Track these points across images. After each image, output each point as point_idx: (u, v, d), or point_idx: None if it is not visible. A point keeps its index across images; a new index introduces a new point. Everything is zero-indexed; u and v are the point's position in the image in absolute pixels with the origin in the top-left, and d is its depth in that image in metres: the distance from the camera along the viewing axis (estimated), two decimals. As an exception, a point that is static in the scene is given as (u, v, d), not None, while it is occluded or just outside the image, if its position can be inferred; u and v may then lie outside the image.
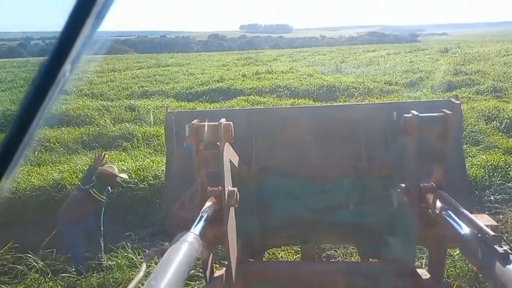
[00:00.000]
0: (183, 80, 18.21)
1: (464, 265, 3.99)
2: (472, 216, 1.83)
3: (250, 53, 38.91)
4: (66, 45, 0.65)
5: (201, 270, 4.22)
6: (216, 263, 2.64)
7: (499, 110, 9.72)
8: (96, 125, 10.08)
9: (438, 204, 2.06)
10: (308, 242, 3.04)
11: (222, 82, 16.25)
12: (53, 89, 0.67)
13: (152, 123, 9.78)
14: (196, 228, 1.86)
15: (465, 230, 1.73)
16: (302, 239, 3.04)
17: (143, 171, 6.49)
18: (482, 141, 8.02)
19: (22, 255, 4.76)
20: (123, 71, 23.57)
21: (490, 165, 6.56)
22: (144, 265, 1.68)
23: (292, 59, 28.81)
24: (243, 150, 2.66)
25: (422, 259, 3.70)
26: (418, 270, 2.43)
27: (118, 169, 4.96)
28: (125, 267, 4.52)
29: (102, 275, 4.44)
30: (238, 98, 13.16)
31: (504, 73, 15.58)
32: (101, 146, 8.45)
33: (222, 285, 2.34)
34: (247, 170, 2.76)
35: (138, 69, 24.89)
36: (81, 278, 4.42)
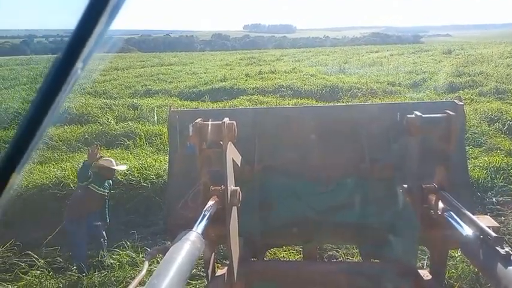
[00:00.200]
0: (186, 79, 18.22)
1: (466, 266, 3.98)
2: (474, 217, 1.83)
3: (254, 52, 38.89)
4: (79, 43, 0.65)
5: (203, 269, 4.24)
6: (217, 263, 2.65)
7: (501, 112, 9.68)
8: (99, 123, 10.10)
9: (440, 205, 2.06)
10: (310, 242, 3.04)
11: (225, 81, 16.24)
12: (64, 87, 0.67)
13: (156, 122, 9.79)
14: (199, 227, 1.87)
15: (467, 231, 1.74)
16: (304, 239, 3.04)
17: (146, 169, 6.51)
18: (484, 143, 7.99)
19: (24, 253, 4.79)
20: (126, 69, 23.61)
21: (493, 167, 6.55)
22: (146, 264, 1.69)
23: (295, 59, 28.78)
24: (246, 150, 2.66)
25: (424, 260, 3.70)
26: (419, 271, 2.43)
27: (116, 162, 4.94)
28: (127, 266, 4.54)
29: (103, 274, 4.46)
30: (241, 97, 13.16)
31: (507, 75, 15.50)
32: (104, 144, 8.46)
33: (223, 284, 2.35)
34: (250, 169, 2.77)
35: (141, 68, 24.92)
36: (83, 276, 4.44)
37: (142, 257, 4.68)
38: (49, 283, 4.35)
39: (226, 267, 2.44)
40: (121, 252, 4.74)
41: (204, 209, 2.09)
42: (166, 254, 1.57)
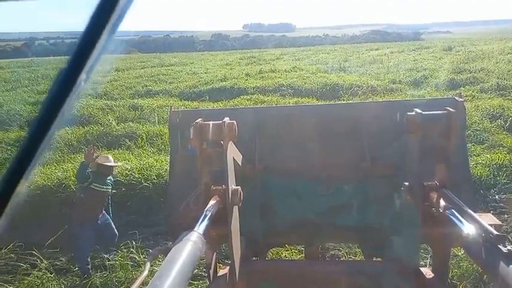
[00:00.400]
0: (187, 79, 18.23)
1: (469, 265, 3.96)
2: (476, 215, 1.81)
3: (254, 52, 38.87)
4: (83, 56, 0.67)
5: (205, 269, 4.23)
6: (219, 263, 2.64)
7: (503, 108, 9.65)
8: (100, 124, 10.11)
9: (442, 203, 2.05)
10: (312, 241, 3.03)
11: (225, 81, 16.24)
12: (69, 98, 0.68)
13: (156, 122, 9.80)
14: (200, 227, 1.86)
15: (469, 229, 1.73)
16: (305, 238, 3.03)
17: (147, 170, 6.51)
18: (486, 140, 7.96)
19: (26, 254, 4.79)
20: (127, 70, 23.63)
21: (495, 164, 6.52)
22: (148, 264, 1.68)
23: (295, 57, 28.75)
24: (247, 149, 2.65)
25: (427, 259, 3.69)
26: (422, 269, 2.42)
27: (112, 158, 4.95)
28: (129, 267, 4.53)
29: (105, 274, 4.46)
30: (241, 97, 13.16)
31: (508, 71, 15.44)
32: (105, 145, 8.48)
33: (225, 284, 2.34)
34: (251, 168, 2.76)
35: (142, 68, 24.95)
36: (85, 277, 4.44)
37: (144, 258, 4.68)
38: (51, 284, 4.35)
39: (227, 267, 2.44)
40: (122, 252, 4.73)
41: (206, 208, 2.09)
42: (168, 254, 1.56)
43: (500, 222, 2.16)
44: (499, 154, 6.95)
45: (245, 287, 2.39)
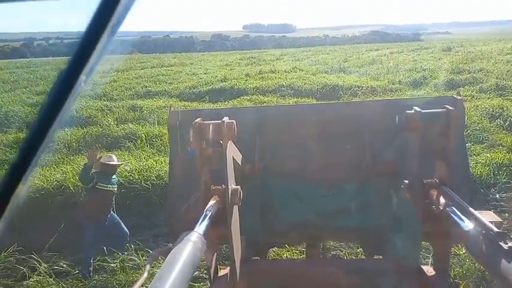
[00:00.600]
0: (186, 80, 18.21)
1: (472, 264, 3.95)
2: (476, 212, 1.81)
3: (253, 52, 38.87)
4: (84, 57, 0.67)
5: (205, 271, 4.22)
6: (220, 264, 2.62)
7: (502, 108, 9.67)
8: (99, 125, 10.09)
9: (442, 200, 2.05)
10: (312, 241, 3.02)
11: (225, 82, 16.23)
12: (69, 99, 0.68)
13: (156, 123, 9.77)
14: (200, 228, 1.85)
15: (469, 226, 1.72)
16: (306, 238, 3.02)
17: (146, 171, 6.49)
18: (486, 140, 7.97)
19: (25, 258, 4.75)
20: (126, 71, 23.61)
21: (495, 163, 6.53)
22: (147, 266, 1.67)
23: (295, 58, 28.76)
24: (246, 148, 2.64)
25: (429, 258, 3.67)
26: (423, 267, 2.42)
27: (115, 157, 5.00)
28: (128, 269, 4.51)
29: (105, 277, 4.44)
30: (241, 97, 13.15)
31: (507, 71, 15.47)
32: (104, 146, 8.44)
33: (226, 284, 2.33)
34: (250, 168, 2.75)
35: (141, 69, 24.92)
36: (85, 280, 4.42)
37: (145, 260, 4.66)
38: None
39: (228, 268, 2.43)
40: (121, 255, 4.71)
41: (205, 208, 2.08)
42: (168, 256, 1.55)
43: (500, 219, 2.15)
44: (498, 153, 6.96)
45: (246, 287, 2.38)
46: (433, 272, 2.34)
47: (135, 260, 4.63)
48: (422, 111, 2.17)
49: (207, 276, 4.13)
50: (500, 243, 1.52)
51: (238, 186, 2.18)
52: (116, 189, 4.76)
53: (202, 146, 2.28)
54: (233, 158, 2.31)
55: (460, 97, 2.71)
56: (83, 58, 0.66)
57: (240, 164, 2.49)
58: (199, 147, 2.27)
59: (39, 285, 4.36)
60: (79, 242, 4.70)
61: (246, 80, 16.46)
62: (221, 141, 2.21)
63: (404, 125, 2.27)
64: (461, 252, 4.13)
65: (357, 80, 15.18)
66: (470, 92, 12.26)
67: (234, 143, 2.31)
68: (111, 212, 4.77)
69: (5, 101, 14.20)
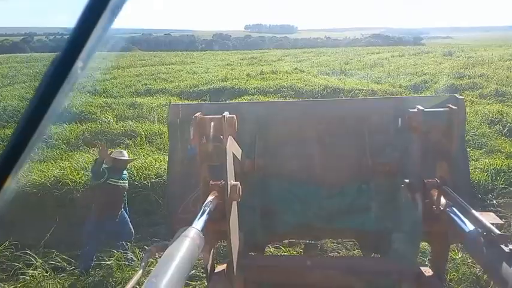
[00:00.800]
0: (187, 79, 18.18)
1: (467, 269, 3.96)
2: (477, 213, 1.79)
3: (255, 52, 38.81)
4: (80, 41, 0.63)
5: (202, 269, 4.21)
6: (216, 263, 2.61)
7: (502, 114, 9.69)
8: (99, 122, 10.07)
9: (442, 200, 2.04)
10: (311, 239, 3.01)
11: (226, 81, 16.22)
12: (64, 86, 0.65)
13: (156, 121, 9.76)
14: (198, 223, 1.83)
15: (470, 227, 1.71)
16: (305, 236, 3.01)
17: (145, 169, 6.48)
18: (485, 145, 7.98)
19: (21, 253, 4.73)
20: (127, 68, 23.56)
21: (493, 169, 6.55)
22: (143, 262, 1.66)
23: (296, 59, 28.73)
24: (246, 144, 2.62)
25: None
26: (420, 267, 2.41)
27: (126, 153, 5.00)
28: (124, 267, 4.50)
29: (101, 274, 4.43)
30: (242, 97, 13.13)
31: (507, 77, 15.50)
32: (103, 143, 8.42)
33: (223, 280, 2.33)
34: (250, 164, 2.73)
35: (142, 66, 24.87)
36: (81, 276, 4.41)
37: (141, 257, 4.65)
38: (47, 283, 4.31)
39: (225, 264, 2.42)
40: (118, 252, 4.69)
41: (204, 204, 2.06)
42: (166, 251, 1.53)
43: (501, 221, 2.13)
44: (497, 159, 6.98)
45: (243, 283, 2.37)
46: (431, 272, 2.34)
47: (132, 258, 4.62)
48: (425, 109, 2.15)
49: (204, 275, 4.14)
50: (501, 246, 1.51)
51: (238, 182, 2.16)
52: (127, 185, 4.75)
53: (202, 141, 2.26)
54: (233, 154, 2.30)
55: (461, 97, 2.70)
56: (79, 43, 0.63)
57: (239, 159, 2.47)
58: (199, 142, 2.24)
59: (34, 280, 4.34)
60: (83, 236, 4.68)
61: (247, 80, 16.45)
62: (221, 137, 2.19)
63: (406, 124, 2.25)
64: (457, 257, 4.14)
65: (358, 83, 15.19)
66: (470, 97, 12.27)
67: (234, 139, 2.29)
68: (122, 209, 4.74)
69: (3, 96, 14.15)
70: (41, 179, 6.31)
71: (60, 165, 6.88)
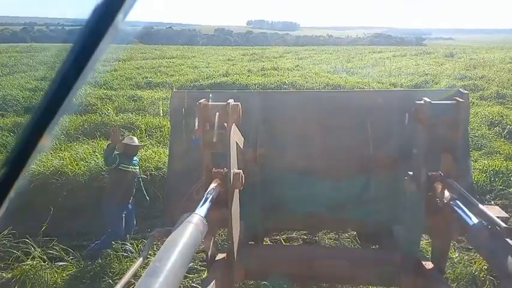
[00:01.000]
0: (188, 73, 18.13)
1: (463, 268, 3.97)
2: (482, 206, 1.78)
3: (256, 48, 38.69)
4: (98, 34, 0.63)
5: (200, 263, 4.22)
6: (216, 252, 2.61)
7: (502, 116, 9.71)
8: (99, 113, 10.03)
9: (446, 193, 2.03)
10: (311, 229, 3.01)
11: (227, 76, 16.18)
12: (80, 79, 0.65)
13: (160, 113, 9.72)
14: (201, 210, 1.83)
15: (474, 220, 1.70)
16: (305, 224, 3.00)
17: (145, 162, 6.46)
18: (484, 146, 8.01)
19: (19, 242, 4.72)
20: (127, 60, 23.47)
21: (492, 170, 6.57)
22: (147, 245, 1.65)
23: (298, 56, 28.66)
24: (249, 133, 2.60)
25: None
26: (421, 260, 2.41)
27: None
28: (122, 258, 4.51)
29: (98, 264, 4.43)
30: (242, 93, 13.11)
31: (508, 80, 15.53)
32: (103, 135, 8.41)
33: (224, 267, 2.33)
34: (252, 152, 2.71)
35: (143, 59, 24.78)
36: (79, 264, 4.42)
37: (140, 250, 4.65)
38: (44, 272, 4.31)
39: (225, 253, 2.42)
40: (116, 243, 4.69)
41: (206, 191, 2.05)
42: (169, 236, 1.53)
43: (506, 215, 2.11)
44: (496, 161, 7.00)
45: (243, 270, 2.38)
46: (431, 265, 2.34)
47: (130, 250, 4.62)
48: (432, 102, 2.14)
49: (201, 268, 4.15)
50: (507, 239, 1.50)
51: (241, 171, 2.15)
52: (137, 170, 4.76)
53: (206, 128, 2.24)
54: (236, 142, 2.29)
55: (466, 91, 2.68)
56: (98, 34, 0.63)
57: (242, 147, 2.45)
58: (202, 129, 2.23)
59: (32, 269, 4.34)
60: (107, 218, 4.70)
61: (248, 76, 16.41)
62: (225, 124, 2.17)
63: (413, 116, 2.24)
64: (454, 256, 4.15)
65: (359, 81, 15.18)
66: (471, 98, 12.21)
67: (237, 127, 2.28)
68: (131, 197, 4.74)
69: (3, 85, 14.09)
70: (40, 168, 6.29)
71: (59, 156, 6.86)
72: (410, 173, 2.25)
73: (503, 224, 1.56)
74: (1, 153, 7.28)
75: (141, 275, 1.45)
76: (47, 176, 6.14)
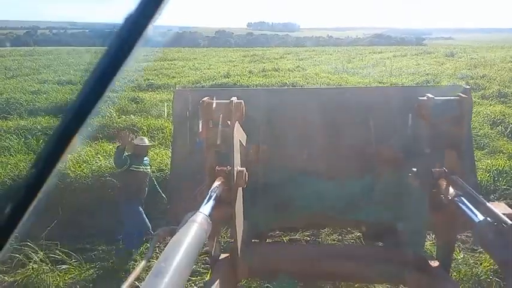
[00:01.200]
0: (189, 75, 18.16)
1: (468, 269, 3.95)
2: (488, 203, 1.77)
3: (257, 50, 38.72)
4: (132, 42, 0.65)
5: (202, 265, 4.21)
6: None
7: (504, 115, 9.68)
8: (101, 115, 10.03)
9: (451, 190, 2.01)
10: (314, 227, 2.98)
11: (228, 78, 16.20)
12: (112, 82, 0.66)
13: (166, 115, 9.71)
14: (205, 209, 1.82)
15: (480, 217, 1.68)
16: (308, 222, 2.98)
17: (147, 163, 6.45)
18: (487, 146, 7.98)
19: (22, 245, 4.71)
20: (131, 64, 23.45)
21: (495, 169, 6.53)
22: (152, 245, 1.64)
23: (298, 57, 28.68)
24: (252, 130, 2.59)
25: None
26: (426, 257, 2.39)
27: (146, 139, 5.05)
28: (124, 259, 4.51)
29: (99, 265, 4.43)
30: (243, 94, 13.10)
31: (510, 79, 15.48)
32: (105, 137, 8.42)
33: (228, 265, 2.32)
34: (255, 150, 2.70)
35: (144, 62, 24.80)
36: (81, 267, 4.41)
37: (141, 253, 4.65)
38: (46, 276, 4.30)
39: (229, 252, 2.41)
40: (120, 245, 4.69)
41: (210, 190, 2.04)
42: (174, 236, 1.52)
43: None
44: (499, 160, 6.97)
45: (247, 268, 2.36)
46: (437, 263, 2.32)
47: (131, 252, 4.62)
48: (435, 97, 2.13)
49: (204, 271, 4.14)
50: None
51: (244, 168, 2.14)
52: (149, 170, 4.78)
53: (209, 125, 2.23)
54: (239, 140, 2.28)
55: (468, 86, 2.67)
56: (129, 46, 0.64)
57: (245, 145, 2.44)
58: (205, 127, 2.22)
59: (34, 273, 4.34)
60: (124, 218, 4.72)
61: (249, 77, 16.42)
62: (228, 122, 2.16)
63: (416, 112, 2.22)
64: (459, 257, 4.13)
65: (360, 82, 15.16)
66: (472, 98, 12.22)
67: (240, 124, 2.27)
68: (141, 198, 4.76)
69: (6, 88, 14.13)
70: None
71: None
72: (414, 169, 2.22)
73: (509, 221, 1.54)
74: (5, 156, 7.28)
75: (145, 276, 1.45)
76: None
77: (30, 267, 4.40)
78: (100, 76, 0.65)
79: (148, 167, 4.81)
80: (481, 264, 4.01)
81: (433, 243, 3.61)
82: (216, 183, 2.11)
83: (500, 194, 6.00)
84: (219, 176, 2.18)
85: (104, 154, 6.91)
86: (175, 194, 2.89)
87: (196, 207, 1.85)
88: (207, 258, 4.13)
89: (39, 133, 8.42)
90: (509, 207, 2.24)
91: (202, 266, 4.25)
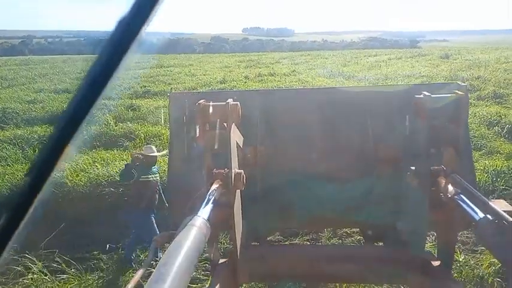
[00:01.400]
0: (186, 81, 18.19)
1: (470, 270, 3.94)
2: (488, 201, 1.76)
3: (253, 55, 38.87)
4: (124, 46, 0.64)
5: (202, 272, 4.18)
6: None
7: (500, 116, 9.73)
8: (98, 123, 10.01)
9: (450, 188, 2.00)
10: (313, 227, 2.95)
11: (224, 83, 16.24)
12: (105, 90, 0.66)
13: (162, 122, 9.70)
14: (204, 212, 1.80)
15: (480, 215, 1.67)
16: (308, 223, 2.95)
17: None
18: (484, 147, 8.00)
19: (20, 256, 4.66)
20: (125, 70, 23.45)
21: (493, 170, 6.54)
22: (151, 251, 1.62)
23: (294, 62, 28.79)
24: (249, 132, 2.57)
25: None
26: (427, 256, 2.38)
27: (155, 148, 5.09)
28: (123, 267, 4.47)
29: (99, 275, 4.39)
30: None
31: (505, 79, 15.60)
32: (103, 144, 8.40)
33: (227, 269, 2.30)
34: (252, 152, 2.68)
35: (140, 69, 24.82)
36: (80, 276, 4.37)
37: (140, 260, 4.62)
38: (46, 286, 4.26)
39: (228, 256, 2.39)
40: (119, 253, 4.66)
41: (208, 193, 2.02)
42: (173, 241, 1.51)
43: None
44: (496, 160, 6.99)
45: (247, 271, 2.34)
46: (438, 262, 2.30)
47: (131, 259, 4.58)
48: (432, 95, 2.13)
49: (204, 278, 4.11)
50: None
51: (242, 171, 2.12)
52: (158, 178, 4.79)
53: (206, 128, 2.22)
54: (236, 142, 2.26)
55: (464, 84, 2.68)
56: (122, 50, 0.64)
57: (242, 147, 2.43)
58: (202, 129, 2.21)
59: (34, 283, 4.29)
60: (131, 226, 4.76)
61: (245, 82, 16.48)
62: (225, 124, 2.15)
63: (413, 110, 2.22)
64: (460, 259, 4.13)
65: (356, 85, 15.22)
66: (468, 95, 12.29)
67: (237, 126, 2.26)
68: (152, 206, 4.75)
69: (2, 98, 14.10)
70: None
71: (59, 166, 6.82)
72: (413, 168, 2.22)
73: (510, 219, 1.53)
74: (2, 166, 7.24)
75: (144, 283, 1.43)
76: (46, 187, 6.09)
77: (30, 277, 4.35)
78: (92, 82, 0.65)
79: (157, 175, 4.82)
80: (482, 265, 4.01)
81: (434, 244, 3.60)
82: (214, 186, 2.09)
83: (499, 195, 6.00)
84: (217, 178, 2.16)
85: (102, 162, 6.88)
86: (173, 198, 2.87)
87: (194, 211, 1.83)
88: (207, 264, 4.10)
89: (36, 142, 8.38)
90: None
91: (203, 272, 4.23)
